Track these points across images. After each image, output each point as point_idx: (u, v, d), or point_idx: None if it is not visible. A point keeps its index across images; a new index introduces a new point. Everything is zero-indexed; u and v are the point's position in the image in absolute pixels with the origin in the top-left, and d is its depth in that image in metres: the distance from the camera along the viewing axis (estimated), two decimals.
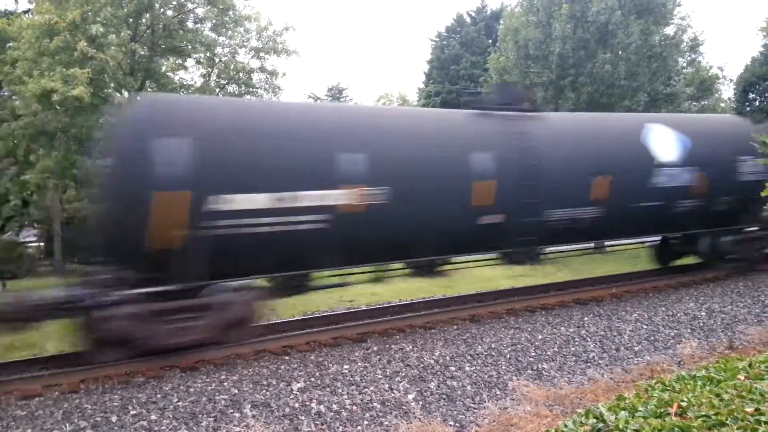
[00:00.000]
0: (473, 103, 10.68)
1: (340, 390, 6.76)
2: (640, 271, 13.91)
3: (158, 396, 6.57)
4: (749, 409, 3.36)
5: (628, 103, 21.41)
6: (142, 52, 19.45)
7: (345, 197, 8.05)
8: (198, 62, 21.04)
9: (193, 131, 7.33)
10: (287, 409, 6.26)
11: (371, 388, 6.83)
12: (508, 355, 8.02)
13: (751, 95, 32.87)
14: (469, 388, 7.00)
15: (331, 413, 6.22)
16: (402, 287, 13.94)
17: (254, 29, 21.10)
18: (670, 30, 23.84)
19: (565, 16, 21.76)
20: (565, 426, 3.49)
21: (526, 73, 23.66)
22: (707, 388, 3.97)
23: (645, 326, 9.45)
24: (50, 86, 15.77)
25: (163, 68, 20.23)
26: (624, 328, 9.32)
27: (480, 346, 8.29)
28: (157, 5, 18.97)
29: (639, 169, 10.97)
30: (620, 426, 3.29)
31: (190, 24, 20.27)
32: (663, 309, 10.34)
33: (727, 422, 3.20)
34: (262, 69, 21.45)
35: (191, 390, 6.73)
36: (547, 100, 22.69)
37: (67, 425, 5.88)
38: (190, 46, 20.10)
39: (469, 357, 7.88)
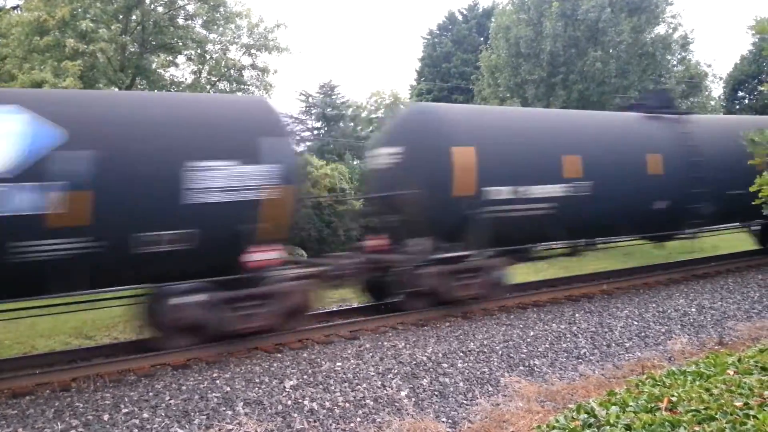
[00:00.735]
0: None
1: (332, 387, 6.76)
2: (631, 268, 14.00)
3: (150, 394, 6.55)
4: (738, 404, 3.40)
5: (619, 100, 21.52)
6: (133, 49, 19.33)
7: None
8: (189, 59, 20.94)
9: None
10: (280, 407, 6.26)
11: (364, 385, 6.84)
12: (500, 352, 8.05)
13: (741, 93, 33.11)
14: (461, 384, 7.03)
15: (324, 410, 6.23)
16: None
17: (245, 26, 21.01)
18: (660, 29, 23.99)
19: (555, 14, 21.84)
20: (557, 421, 3.52)
21: (517, 70, 23.74)
22: (697, 383, 4.00)
23: (636, 322, 9.51)
24: (40, 78, 15.65)
25: (154, 65, 20.13)
26: (615, 324, 9.38)
27: (472, 343, 8.32)
28: (147, 1, 18.86)
29: None
30: (611, 421, 3.32)
31: (180, 20, 20.17)
32: (653, 305, 10.41)
33: (717, 416, 3.23)
34: (253, 66, 21.37)
35: (183, 388, 6.71)
36: (538, 97, 22.79)
37: (59, 424, 5.85)
38: (180, 43, 20.00)
39: (461, 354, 7.91)
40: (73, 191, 6.62)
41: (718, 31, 74.55)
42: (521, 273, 14.92)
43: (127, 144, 7.09)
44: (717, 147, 12.59)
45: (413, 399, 6.57)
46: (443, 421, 6.13)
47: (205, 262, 7.63)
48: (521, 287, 12.24)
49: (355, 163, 31.74)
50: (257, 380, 6.93)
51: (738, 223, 14.19)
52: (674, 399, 3.58)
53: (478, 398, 6.68)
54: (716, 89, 35.07)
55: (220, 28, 20.77)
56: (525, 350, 8.17)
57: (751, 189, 9.10)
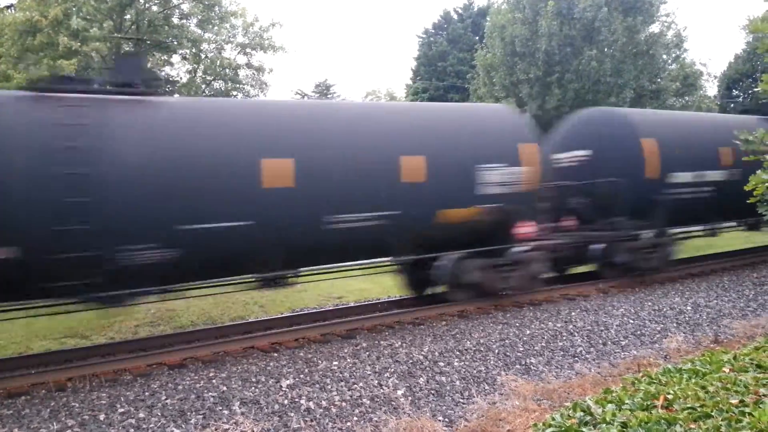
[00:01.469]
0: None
1: (329, 386, 6.76)
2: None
3: (146, 394, 6.53)
4: (734, 401, 3.41)
5: (614, 99, 21.58)
6: (128, 48, 19.28)
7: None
8: (184, 58, 20.92)
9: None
10: (276, 406, 6.26)
11: (360, 384, 6.84)
12: (496, 351, 8.06)
13: (735, 92, 33.24)
14: (457, 383, 7.03)
15: (321, 409, 6.23)
16: (390, 284, 13.96)
17: (240, 25, 21.03)
18: (655, 27, 24.06)
19: (551, 14, 21.88)
20: (553, 419, 3.53)
21: (512, 69, 23.76)
22: (693, 380, 4.02)
23: (631, 321, 9.54)
24: (36, 77, 15.60)
25: (149, 64, 20.06)
26: (611, 322, 9.40)
27: (468, 342, 8.33)
28: (141, 0, 18.81)
29: None
30: (607, 419, 3.33)
31: (175, 19, 20.14)
32: (649, 304, 10.44)
33: (712, 414, 3.24)
34: (248, 65, 21.40)
35: (179, 387, 6.70)
36: (534, 96, 22.81)
37: (55, 424, 5.83)
38: (175, 42, 19.96)
39: (457, 352, 7.92)
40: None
41: (712, 31, 74.81)
42: None
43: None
44: None
45: (410, 398, 6.57)
46: (440, 420, 6.13)
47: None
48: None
49: None
50: (254, 379, 6.92)
51: None
52: (670, 397, 3.59)
53: (474, 397, 6.68)
54: (711, 88, 35.22)
55: (215, 27, 20.77)
56: (521, 349, 8.18)
57: (746, 188, 9.12)
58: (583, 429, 3.31)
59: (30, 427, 5.79)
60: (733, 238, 16.50)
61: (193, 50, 20.31)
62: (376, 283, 13.73)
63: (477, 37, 37.06)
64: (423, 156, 9.12)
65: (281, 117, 8.64)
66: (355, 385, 6.79)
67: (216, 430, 5.75)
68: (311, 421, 6.00)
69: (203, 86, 20.80)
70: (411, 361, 7.52)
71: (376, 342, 8.35)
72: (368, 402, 6.42)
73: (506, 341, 8.41)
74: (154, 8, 19.40)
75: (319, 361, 7.52)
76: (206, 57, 20.71)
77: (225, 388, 6.66)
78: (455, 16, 42.50)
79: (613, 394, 3.82)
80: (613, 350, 8.38)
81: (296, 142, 8.27)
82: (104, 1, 18.12)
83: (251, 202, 7.79)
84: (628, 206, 11.81)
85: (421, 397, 6.61)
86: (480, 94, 26.53)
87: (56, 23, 16.47)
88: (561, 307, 10.25)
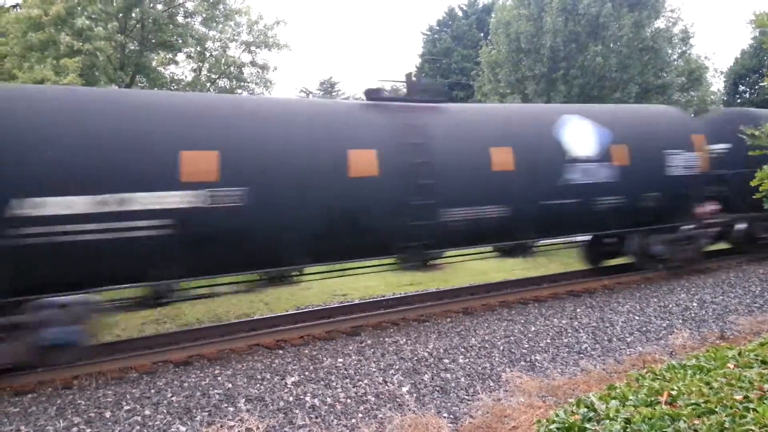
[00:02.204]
0: None
1: (334, 383, 6.78)
2: (632, 263, 13.97)
3: (152, 391, 6.57)
4: (738, 397, 3.40)
5: (619, 95, 21.47)
6: (133, 47, 19.32)
7: None
8: (189, 57, 20.93)
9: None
10: (281, 403, 6.28)
11: (365, 381, 6.86)
12: (501, 347, 8.06)
13: (741, 87, 33.04)
14: (462, 380, 7.03)
15: (326, 406, 6.24)
16: (395, 280, 13.97)
17: (245, 23, 21.00)
18: (661, 23, 23.91)
19: (556, 9, 21.77)
20: (557, 416, 3.52)
21: (517, 66, 23.67)
22: (697, 376, 4.00)
23: (637, 317, 9.51)
24: (41, 76, 15.66)
25: (154, 63, 20.12)
26: (616, 319, 9.38)
27: (473, 339, 8.33)
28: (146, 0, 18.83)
29: None
30: (611, 415, 3.32)
31: (180, 18, 20.15)
32: (655, 300, 10.41)
33: (717, 410, 3.23)
34: (253, 63, 21.37)
35: (185, 385, 6.73)
36: (539, 93, 22.72)
37: (61, 421, 5.87)
38: (180, 41, 19.97)
39: (462, 349, 7.92)
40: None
41: (718, 26, 74.37)
42: (522, 269, 14.95)
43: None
44: None
45: (414, 395, 6.58)
46: (444, 417, 6.14)
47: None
48: (521, 283, 12.27)
49: None
50: (259, 377, 6.94)
51: None
52: (674, 393, 3.58)
53: (479, 393, 6.68)
54: (717, 83, 35.02)
55: (220, 26, 20.75)
56: (526, 345, 8.18)
57: (752, 183, 9.07)
58: (587, 425, 3.30)
59: (36, 425, 5.83)
60: None
61: (198, 48, 20.32)
62: (380, 280, 13.76)
63: (482, 34, 37.01)
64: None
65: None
66: (360, 382, 6.80)
67: (221, 427, 5.78)
68: (316, 418, 6.02)
69: (208, 84, 20.81)
70: (416, 358, 7.53)
71: (381, 339, 8.36)
72: (373, 399, 6.44)
73: (511, 338, 8.40)
74: (159, 7, 19.42)
75: (324, 358, 7.53)
76: (211, 55, 20.72)
77: (230, 386, 6.68)
78: (460, 13, 42.42)
79: (617, 391, 3.81)
80: (618, 347, 8.36)
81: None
82: (111, 2, 18.15)
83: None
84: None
85: (425, 394, 6.62)
86: (485, 91, 26.42)
87: (58, 21, 16.48)
88: (566, 304, 10.23)
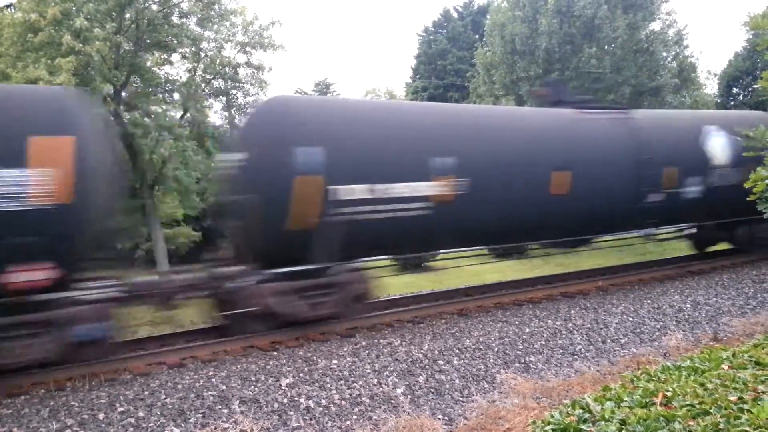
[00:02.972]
0: None
1: (328, 385, 6.76)
2: (626, 264, 14.04)
3: (146, 393, 6.54)
4: (732, 398, 3.40)
5: (612, 96, 21.55)
6: (127, 47, 19.23)
7: None
8: (183, 57, 20.84)
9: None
10: (276, 405, 6.26)
11: (360, 382, 6.84)
12: (495, 349, 8.06)
13: (735, 90, 33.19)
14: (457, 381, 7.03)
15: (320, 408, 6.23)
16: (390, 282, 13.95)
17: (240, 24, 20.93)
18: (655, 25, 24.02)
19: (551, 11, 21.85)
20: (552, 417, 3.51)
21: (512, 67, 23.74)
22: (692, 378, 4.01)
23: (631, 319, 9.54)
24: (35, 76, 15.60)
25: (148, 63, 20.04)
26: (610, 320, 9.40)
27: (468, 340, 8.33)
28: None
29: None
30: (606, 416, 3.32)
31: (175, 18, 20.06)
32: (649, 302, 10.44)
33: (711, 411, 3.23)
34: (248, 64, 21.28)
35: (179, 386, 6.70)
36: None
37: (54, 423, 5.84)
38: (175, 41, 19.89)
39: (457, 351, 7.92)
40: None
41: (711, 28, 74.73)
42: (516, 270, 14.97)
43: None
44: None
45: (409, 396, 6.57)
46: (439, 419, 6.14)
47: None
48: (516, 284, 12.29)
49: None
50: (253, 378, 6.92)
51: None
52: (669, 394, 3.58)
53: (474, 395, 6.68)
54: (711, 86, 35.15)
55: (215, 26, 20.66)
56: (521, 347, 8.18)
57: (746, 185, 9.10)
58: (582, 426, 3.29)
59: (29, 427, 5.79)
60: None
61: (193, 49, 20.24)
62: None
63: (477, 36, 37.05)
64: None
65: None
66: (355, 384, 6.79)
67: (215, 428, 5.76)
68: (311, 419, 6.01)
69: (203, 85, 20.73)
70: (410, 360, 7.52)
71: (376, 340, 8.35)
72: (368, 400, 6.43)
73: (506, 339, 8.41)
74: (154, 7, 19.34)
75: (319, 360, 7.52)
76: (206, 56, 20.64)
77: (224, 387, 6.66)
78: (455, 15, 42.48)
79: (612, 392, 3.81)
80: (612, 348, 8.38)
81: None
82: (104, 1, 18.06)
83: None
84: None
85: (420, 396, 6.62)
86: (480, 93, 26.50)
87: (56, 22, 16.41)
88: (560, 305, 10.24)
